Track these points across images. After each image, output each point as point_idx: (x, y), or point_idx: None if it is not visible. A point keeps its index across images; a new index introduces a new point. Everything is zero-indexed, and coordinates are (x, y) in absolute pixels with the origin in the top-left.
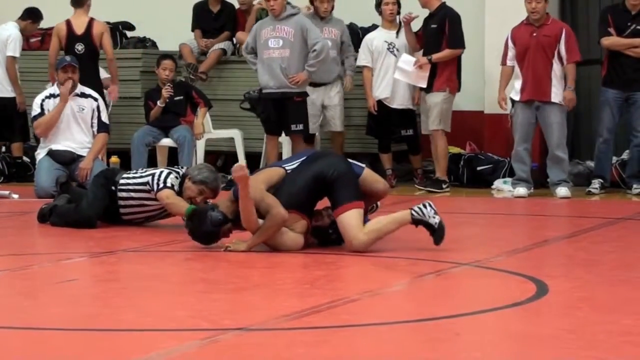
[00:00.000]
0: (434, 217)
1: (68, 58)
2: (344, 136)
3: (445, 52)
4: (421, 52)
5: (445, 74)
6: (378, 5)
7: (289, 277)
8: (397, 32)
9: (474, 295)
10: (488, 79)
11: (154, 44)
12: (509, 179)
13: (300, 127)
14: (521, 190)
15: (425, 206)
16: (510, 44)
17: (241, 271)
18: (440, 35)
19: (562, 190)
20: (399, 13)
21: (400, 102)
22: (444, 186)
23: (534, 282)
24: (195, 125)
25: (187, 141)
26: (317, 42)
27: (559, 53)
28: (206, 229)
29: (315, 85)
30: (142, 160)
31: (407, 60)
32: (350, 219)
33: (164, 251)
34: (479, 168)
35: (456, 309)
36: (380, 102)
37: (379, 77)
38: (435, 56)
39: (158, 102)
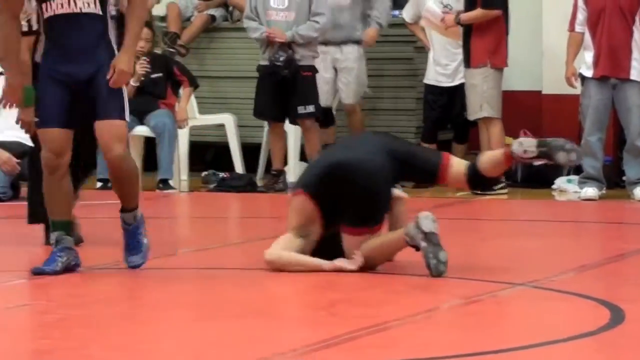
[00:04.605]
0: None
1: None
2: (359, 112)
3: (476, 12)
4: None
5: (483, 45)
6: None
7: (299, 301)
8: None
9: (531, 323)
10: (547, 50)
11: None
12: (574, 177)
13: (310, 109)
14: (590, 191)
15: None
16: (580, 4)
17: (238, 293)
18: None
19: None
20: None
21: (462, 75)
22: (495, 187)
23: (607, 307)
24: (179, 110)
25: (167, 129)
26: (322, 15)
27: None
28: None
29: (324, 42)
30: None
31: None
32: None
33: (141, 268)
34: (536, 163)
35: (509, 341)
36: (431, 86)
37: (431, 53)
38: (464, 16)
39: (131, 81)
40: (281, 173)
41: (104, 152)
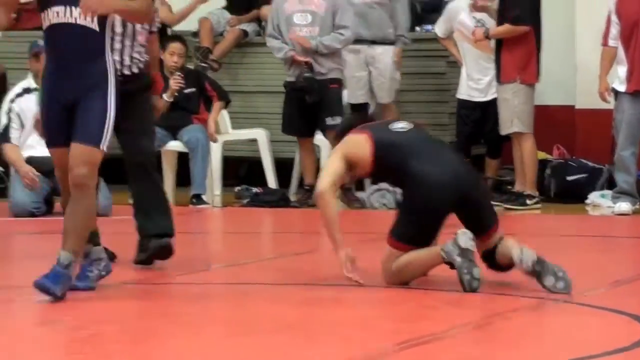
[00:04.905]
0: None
1: (41, 42)
2: (394, 109)
3: (504, 28)
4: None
5: (513, 60)
6: None
7: (331, 316)
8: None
9: (564, 338)
10: (580, 65)
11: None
12: (608, 192)
13: (338, 120)
14: (624, 206)
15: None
16: (614, 18)
17: (271, 309)
18: (503, 6)
19: None
20: None
21: (495, 89)
22: (528, 202)
23: None
24: (209, 124)
25: (200, 144)
26: (346, 28)
27: None
28: None
29: (358, 41)
30: None
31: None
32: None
33: (174, 284)
34: (569, 178)
35: (542, 356)
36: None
37: (464, 68)
38: (492, 30)
39: (164, 96)
40: (314, 188)
41: (69, 172)
